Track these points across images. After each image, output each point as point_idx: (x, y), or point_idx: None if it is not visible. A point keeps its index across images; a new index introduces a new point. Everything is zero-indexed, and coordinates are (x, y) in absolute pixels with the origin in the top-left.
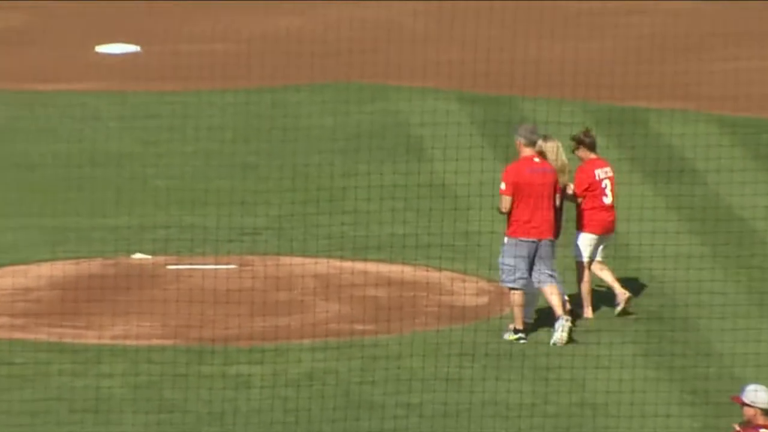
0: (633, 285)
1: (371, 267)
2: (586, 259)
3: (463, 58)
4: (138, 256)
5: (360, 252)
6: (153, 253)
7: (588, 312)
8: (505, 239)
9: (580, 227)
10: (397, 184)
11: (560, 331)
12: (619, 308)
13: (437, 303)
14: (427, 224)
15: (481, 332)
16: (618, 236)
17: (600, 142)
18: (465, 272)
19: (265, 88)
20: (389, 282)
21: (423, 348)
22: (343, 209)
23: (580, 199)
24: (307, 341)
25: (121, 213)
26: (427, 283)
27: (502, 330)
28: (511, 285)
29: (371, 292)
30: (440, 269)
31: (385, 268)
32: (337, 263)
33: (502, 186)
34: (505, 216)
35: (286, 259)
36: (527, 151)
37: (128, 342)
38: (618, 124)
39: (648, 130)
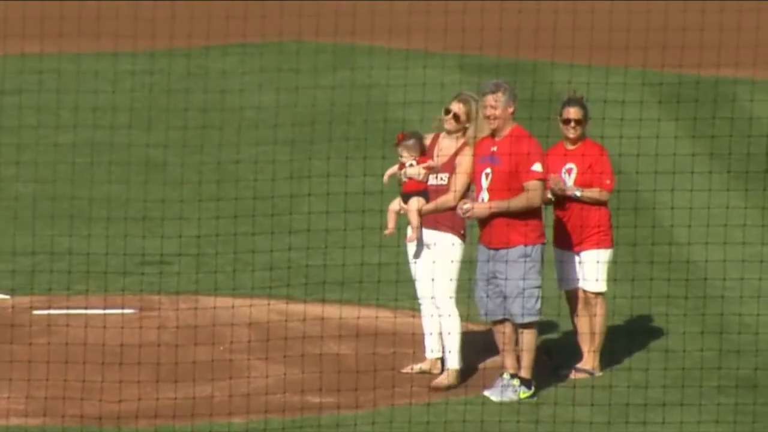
0: (715, 337)
1: (331, 311)
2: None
3: (466, 5)
4: None
5: (315, 289)
6: (12, 291)
7: (595, 361)
8: (527, 249)
9: (598, 242)
10: (371, 191)
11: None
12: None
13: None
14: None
15: (491, 406)
16: (692, 267)
17: (665, 129)
18: (468, 318)
19: (177, 51)
20: (357, 333)
21: (407, 430)
22: (290, 227)
23: (606, 196)
24: (238, 420)
25: None
26: (414, 334)
27: (495, 383)
28: (538, 317)
29: (331, 347)
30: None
31: (351, 313)
32: (281, 306)
33: (540, 168)
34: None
35: (207, 300)
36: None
37: None
38: (691, 102)
39: (736, 111)
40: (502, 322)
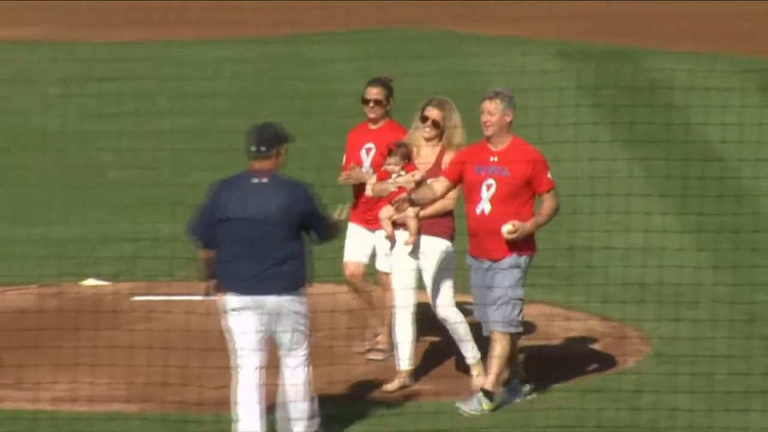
0: None
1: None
2: None
3: None
4: (91, 282)
5: None
6: (114, 277)
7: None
8: (522, 259)
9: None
10: None
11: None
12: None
13: (525, 352)
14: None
15: (590, 395)
16: None
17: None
18: (569, 305)
19: (277, 38)
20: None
21: (509, 418)
22: None
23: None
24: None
25: (65, 219)
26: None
27: (466, 398)
28: (518, 329)
29: (426, 334)
30: (531, 301)
31: None
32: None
33: (550, 175)
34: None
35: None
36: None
37: (76, 408)
38: None
39: None
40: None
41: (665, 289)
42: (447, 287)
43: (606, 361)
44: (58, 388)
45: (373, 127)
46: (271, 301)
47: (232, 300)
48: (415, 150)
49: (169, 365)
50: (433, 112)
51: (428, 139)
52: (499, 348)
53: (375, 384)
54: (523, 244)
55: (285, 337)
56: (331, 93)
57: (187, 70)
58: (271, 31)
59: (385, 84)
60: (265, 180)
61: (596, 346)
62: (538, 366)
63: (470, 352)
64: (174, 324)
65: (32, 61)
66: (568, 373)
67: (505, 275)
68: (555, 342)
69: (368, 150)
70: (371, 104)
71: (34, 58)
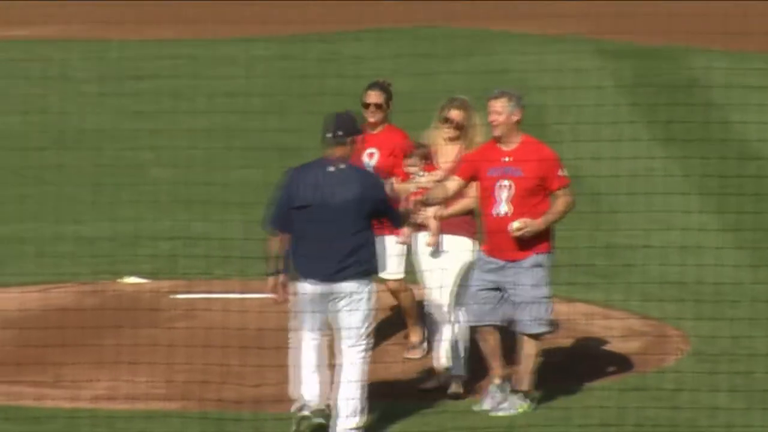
0: None
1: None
2: None
3: None
4: (130, 279)
5: None
6: (152, 275)
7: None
8: (542, 257)
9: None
10: None
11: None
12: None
13: (563, 351)
14: None
15: (630, 394)
16: None
17: None
18: (608, 304)
19: (311, 36)
20: None
21: (548, 416)
22: None
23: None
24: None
25: (103, 217)
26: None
27: (492, 396)
28: (549, 328)
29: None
30: (570, 299)
31: None
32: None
33: (565, 172)
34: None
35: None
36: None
37: (115, 406)
38: None
39: None
40: (489, 328)
41: (704, 287)
42: (459, 286)
43: (645, 360)
44: (98, 386)
45: (372, 131)
46: (343, 287)
47: (304, 285)
48: (434, 150)
49: (209, 363)
50: (454, 113)
51: (450, 140)
52: (529, 347)
53: (412, 382)
54: (540, 242)
55: (351, 331)
56: (360, 91)
57: (223, 67)
58: (304, 29)
59: (384, 88)
60: (340, 167)
61: (635, 345)
62: (578, 364)
63: (444, 357)
64: (214, 322)
65: (66, 58)
66: (607, 372)
67: (528, 275)
68: (594, 340)
69: (371, 155)
70: (371, 108)
71: (68, 55)
